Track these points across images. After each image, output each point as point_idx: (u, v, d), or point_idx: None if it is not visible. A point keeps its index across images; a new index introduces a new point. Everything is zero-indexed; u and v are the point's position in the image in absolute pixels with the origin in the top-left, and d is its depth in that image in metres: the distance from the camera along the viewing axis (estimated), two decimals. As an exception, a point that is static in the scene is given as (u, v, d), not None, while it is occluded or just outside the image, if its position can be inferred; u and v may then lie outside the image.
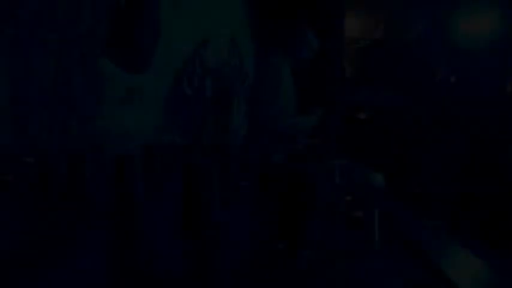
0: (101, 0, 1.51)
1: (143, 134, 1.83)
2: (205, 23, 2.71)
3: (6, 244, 0.34)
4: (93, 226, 0.43)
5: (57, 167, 0.63)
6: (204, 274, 0.29)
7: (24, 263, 0.29)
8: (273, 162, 0.60)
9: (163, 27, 1.99)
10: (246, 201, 0.60)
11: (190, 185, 0.37)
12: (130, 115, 1.72)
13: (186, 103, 2.52)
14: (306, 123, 2.60)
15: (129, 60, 1.83)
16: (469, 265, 0.32)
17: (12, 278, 0.26)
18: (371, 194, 0.67)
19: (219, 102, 3.16)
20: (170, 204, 0.57)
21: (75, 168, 0.53)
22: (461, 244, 0.36)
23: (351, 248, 0.35)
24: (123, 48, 1.72)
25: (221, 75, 3.21)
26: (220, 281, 0.27)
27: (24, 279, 0.27)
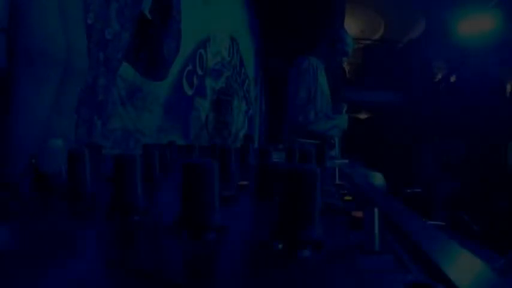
0: (127, 9, 1.52)
1: (143, 133, 1.83)
2: (205, 23, 2.71)
3: (5, 244, 0.34)
4: (93, 226, 0.43)
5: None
6: (204, 274, 0.29)
7: (23, 263, 0.29)
8: (273, 162, 0.60)
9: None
10: (246, 201, 0.60)
11: (190, 185, 0.37)
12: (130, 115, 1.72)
13: (186, 103, 2.53)
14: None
15: (154, 70, 1.86)
16: (469, 265, 0.32)
17: (12, 277, 0.26)
18: (371, 194, 0.67)
19: (219, 102, 3.16)
20: (169, 204, 0.57)
21: (75, 167, 0.53)
22: (461, 244, 0.36)
23: (351, 248, 0.35)
24: (148, 58, 1.74)
25: (221, 76, 3.22)
26: (219, 282, 0.27)
27: (24, 279, 0.27)
